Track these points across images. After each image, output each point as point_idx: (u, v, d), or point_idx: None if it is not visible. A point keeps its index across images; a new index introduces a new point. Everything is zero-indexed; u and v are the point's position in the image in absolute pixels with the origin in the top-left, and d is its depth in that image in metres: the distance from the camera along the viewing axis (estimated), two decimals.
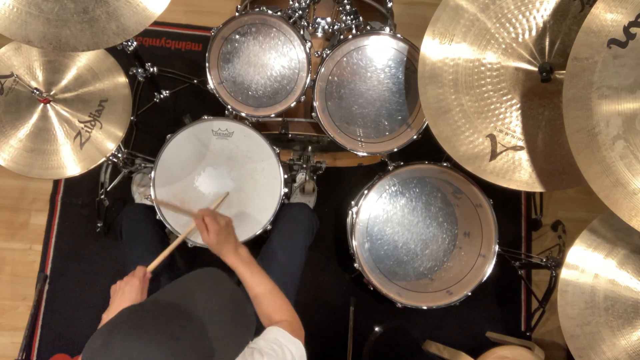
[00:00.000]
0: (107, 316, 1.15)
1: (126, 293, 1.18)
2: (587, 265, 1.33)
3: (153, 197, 1.50)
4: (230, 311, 0.85)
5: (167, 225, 1.49)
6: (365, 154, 1.58)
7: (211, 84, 1.52)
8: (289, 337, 1.10)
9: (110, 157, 1.60)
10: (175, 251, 1.40)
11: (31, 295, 1.98)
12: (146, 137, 2.12)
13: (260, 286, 1.26)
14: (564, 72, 1.09)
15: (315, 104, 1.50)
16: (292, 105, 1.50)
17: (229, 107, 1.54)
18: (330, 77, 1.52)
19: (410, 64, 1.51)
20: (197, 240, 1.49)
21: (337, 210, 2.12)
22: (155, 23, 1.23)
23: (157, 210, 1.50)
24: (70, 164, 1.46)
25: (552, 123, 1.28)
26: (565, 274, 1.33)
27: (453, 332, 2.06)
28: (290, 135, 1.66)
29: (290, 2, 1.54)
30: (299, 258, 1.53)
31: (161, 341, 0.74)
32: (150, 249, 1.47)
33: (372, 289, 1.58)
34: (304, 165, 1.88)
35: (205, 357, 0.77)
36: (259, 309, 1.25)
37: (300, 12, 1.53)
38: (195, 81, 2.13)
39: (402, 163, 1.60)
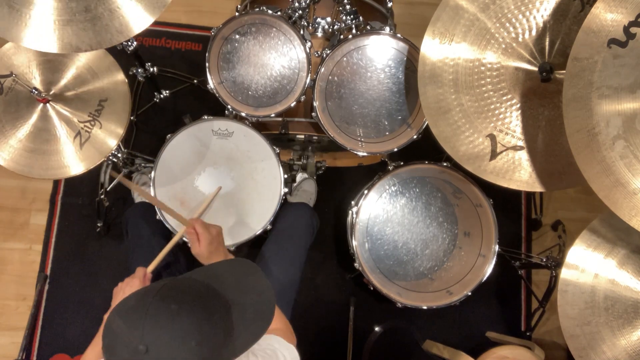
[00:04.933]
0: None
1: (127, 294, 1.18)
2: (587, 265, 1.33)
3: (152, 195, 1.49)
4: (255, 298, 0.88)
5: (167, 225, 1.49)
6: (365, 154, 1.58)
7: (211, 84, 1.52)
8: (283, 342, 1.10)
9: (110, 157, 1.59)
10: (178, 251, 1.39)
11: (31, 295, 1.98)
12: (146, 137, 2.12)
13: None
14: (564, 72, 1.09)
15: (315, 103, 1.50)
16: (292, 105, 1.50)
17: (229, 107, 1.54)
18: (330, 77, 1.52)
19: (410, 63, 1.51)
20: None
21: (337, 210, 2.11)
22: (155, 23, 1.22)
23: (157, 210, 1.50)
24: (71, 164, 1.46)
25: (552, 123, 1.28)
26: (565, 274, 1.33)
27: (453, 332, 2.06)
28: (290, 135, 1.66)
29: (290, 2, 1.54)
30: (297, 262, 1.52)
31: (194, 312, 0.78)
32: (156, 245, 1.47)
33: (372, 289, 1.58)
34: (304, 165, 1.88)
35: (225, 336, 0.81)
36: None
37: (300, 12, 1.52)
38: (195, 81, 2.13)
39: (402, 163, 1.60)
